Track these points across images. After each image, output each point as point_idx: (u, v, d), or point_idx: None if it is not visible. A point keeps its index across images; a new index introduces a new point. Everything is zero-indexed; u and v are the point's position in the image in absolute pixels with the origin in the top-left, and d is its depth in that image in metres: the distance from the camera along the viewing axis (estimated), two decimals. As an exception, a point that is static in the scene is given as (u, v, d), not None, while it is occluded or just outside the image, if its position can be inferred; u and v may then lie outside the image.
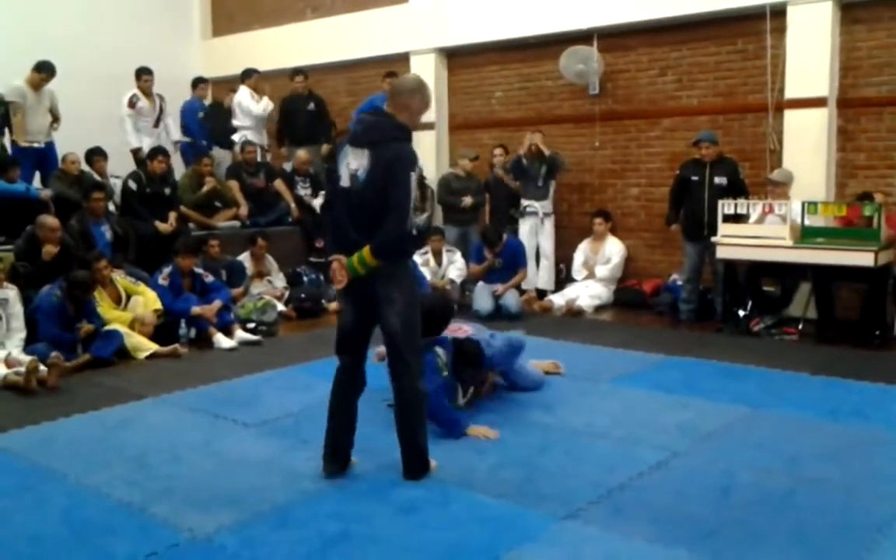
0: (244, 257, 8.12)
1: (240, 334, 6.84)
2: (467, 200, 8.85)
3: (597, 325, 7.58)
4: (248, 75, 9.81)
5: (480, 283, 8.03)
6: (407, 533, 3.20)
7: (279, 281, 8.30)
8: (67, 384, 5.53)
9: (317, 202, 9.12)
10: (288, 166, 9.56)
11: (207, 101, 10.39)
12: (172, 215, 7.96)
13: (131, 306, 6.64)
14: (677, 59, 8.20)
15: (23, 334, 5.91)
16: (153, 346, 6.32)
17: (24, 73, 8.25)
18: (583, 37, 8.51)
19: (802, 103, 7.32)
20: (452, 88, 9.87)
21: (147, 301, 6.68)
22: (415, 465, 3.70)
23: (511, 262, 8.02)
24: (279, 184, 9.30)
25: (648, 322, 7.58)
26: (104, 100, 9.10)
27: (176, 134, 9.47)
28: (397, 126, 3.55)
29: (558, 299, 8.19)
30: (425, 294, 6.55)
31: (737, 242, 6.78)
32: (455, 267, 8.40)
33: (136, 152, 8.93)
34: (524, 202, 8.66)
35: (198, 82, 10.08)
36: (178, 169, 9.43)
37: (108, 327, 6.23)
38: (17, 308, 5.93)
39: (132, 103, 8.99)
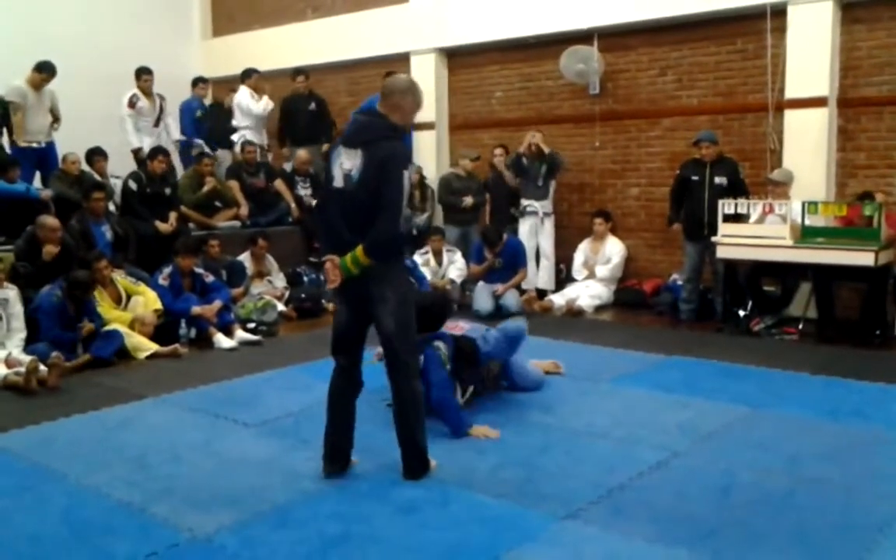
0: (244, 257, 8.12)
1: (240, 334, 6.84)
2: (468, 200, 8.85)
3: (597, 324, 7.58)
4: (248, 75, 9.81)
5: (481, 283, 8.03)
6: (407, 533, 3.20)
7: (279, 281, 8.29)
8: (68, 384, 5.53)
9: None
10: (288, 166, 9.56)
11: (207, 101, 10.39)
12: (173, 215, 7.96)
13: (131, 306, 6.64)
14: (677, 58, 8.20)
15: (23, 334, 5.91)
16: (153, 346, 6.32)
17: (24, 73, 8.24)
18: (583, 36, 8.51)
19: (802, 103, 7.32)
20: (453, 88, 9.87)
21: (147, 301, 6.68)
22: (415, 465, 3.70)
23: (511, 261, 8.03)
24: (279, 184, 9.31)
25: (649, 322, 7.57)
26: (104, 100, 9.10)
27: (176, 133, 9.48)
28: (390, 126, 3.57)
29: (558, 299, 8.19)
30: (423, 291, 6.57)
31: (737, 242, 6.78)
32: (455, 267, 8.41)
33: (136, 152, 8.93)
34: (524, 202, 8.66)
35: (197, 82, 10.08)
36: (179, 169, 9.44)
37: (108, 327, 6.24)
38: (18, 308, 5.93)
39: (132, 103, 8.99)
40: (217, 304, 6.83)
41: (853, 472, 3.72)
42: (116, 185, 8.42)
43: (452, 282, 8.31)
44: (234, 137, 9.73)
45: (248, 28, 11.50)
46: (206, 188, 8.67)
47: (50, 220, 6.64)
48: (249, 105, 9.64)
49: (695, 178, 7.31)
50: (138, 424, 4.65)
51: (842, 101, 7.31)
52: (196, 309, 6.74)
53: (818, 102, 7.25)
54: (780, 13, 7.38)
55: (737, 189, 7.10)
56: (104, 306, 6.43)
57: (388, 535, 3.18)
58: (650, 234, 8.50)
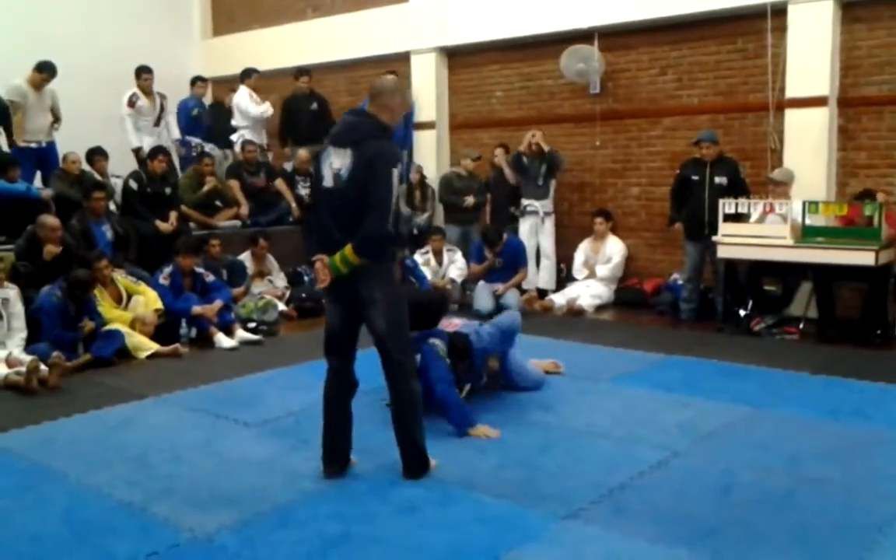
0: (245, 257, 8.12)
1: (241, 334, 6.84)
2: (469, 200, 8.85)
3: (597, 324, 7.58)
4: (247, 75, 9.80)
5: (481, 283, 8.03)
6: (407, 533, 3.20)
7: (280, 280, 8.30)
8: (68, 384, 5.53)
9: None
10: (289, 166, 9.56)
11: (207, 100, 10.39)
12: (173, 215, 7.96)
13: (132, 306, 6.64)
14: (678, 58, 8.20)
15: (24, 334, 5.91)
16: (154, 346, 6.33)
17: (24, 73, 8.24)
18: (583, 36, 8.51)
19: (803, 102, 7.31)
20: (453, 88, 9.87)
21: (148, 301, 6.68)
22: (414, 464, 3.71)
23: (511, 261, 8.02)
24: (280, 183, 9.31)
25: (649, 321, 7.57)
26: (104, 99, 9.09)
27: (176, 133, 9.46)
28: (379, 125, 3.58)
29: (559, 299, 8.19)
30: (418, 289, 6.58)
31: (737, 242, 6.78)
32: (456, 266, 8.41)
33: (136, 152, 8.93)
34: (525, 201, 8.66)
35: (195, 81, 10.08)
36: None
37: (108, 327, 6.24)
38: (18, 308, 5.93)
39: (132, 102, 8.98)
40: (218, 303, 6.84)
41: (854, 472, 3.72)
42: (117, 184, 8.43)
43: (453, 281, 8.31)
44: (234, 137, 9.74)
45: (248, 27, 11.51)
46: (206, 188, 8.67)
47: (50, 220, 6.64)
48: (248, 107, 9.64)
49: (695, 177, 7.30)
50: (139, 424, 4.65)
51: (842, 100, 7.31)
52: (197, 308, 6.74)
53: (819, 102, 7.25)
54: (780, 12, 7.38)
55: (737, 188, 7.10)
56: (105, 306, 6.43)
57: (388, 534, 3.18)
58: (651, 234, 8.50)
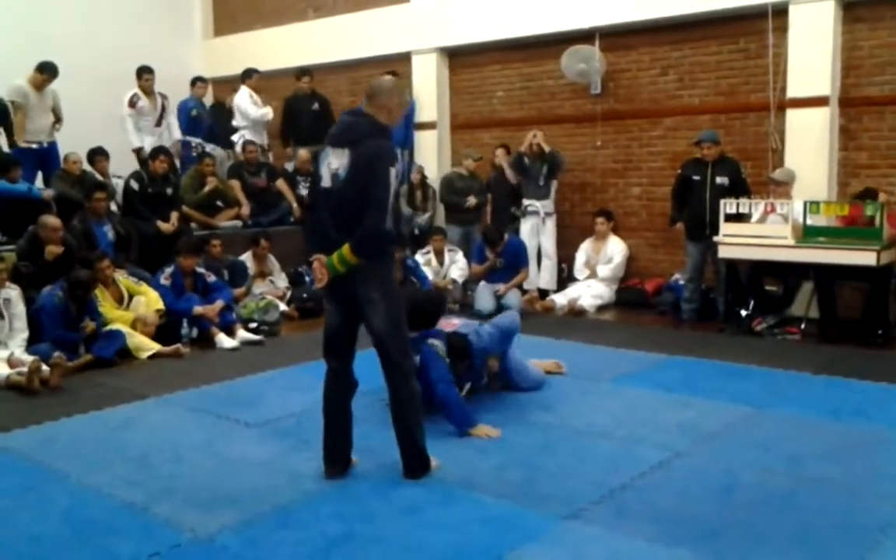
0: (246, 257, 8.12)
1: (242, 334, 6.84)
2: (471, 201, 8.85)
3: (599, 324, 7.58)
4: (248, 75, 9.81)
5: (482, 283, 8.03)
6: (409, 533, 3.20)
7: (281, 281, 8.30)
8: (70, 384, 5.53)
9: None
10: (290, 166, 9.56)
11: (208, 101, 10.39)
12: (174, 215, 7.96)
13: (133, 306, 6.64)
14: (679, 58, 8.20)
15: (25, 334, 5.92)
16: (155, 346, 6.33)
17: (23, 73, 8.24)
18: (584, 36, 8.51)
19: (804, 102, 7.31)
20: (454, 88, 9.87)
21: (149, 301, 6.69)
22: (414, 464, 3.71)
23: (513, 261, 8.02)
24: (281, 183, 9.31)
25: (650, 322, 7.57)
26: (105, 100, 9.09)
27: (178, 133, 9.45)
28: (376, 125, 3.59)
29: (560, 299, 8.19)
30: (414, 290, 6.58)
31: (739, 242, 6.78)
32: (457, 267, 8.42)
33: (137, 152, 8.93)
34: (526, 202, 8.67)
35: (195, 81, 10.09)
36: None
37: (110, 327, 6.24)
38: (20, 308, 5.94)
39: (133, 103, 8.97)
40: (219, 303, 6.84)
41: (855, 472, 3.72)
42: (118, 184, 8.43)
43: (454, 282, 8.32)
44: (235, 138, 9.74)
45: (250, 28, 11.51)
46: (207, 188, 8.68)
47: (52, 220, 6.64)
48: (247, 109, 9.65)
49: (696, 177, 7.30)
50: (140, 424, 4.66)
51: (843, 100, 7.30)
52: (198, 309, 6.75)
53: (820, 102, 7.24)
54: (781, 12, 7.37)
55: (738, 189, 7.09)
56: (106, 306, 6.44)
57: (389, 535, 3.19)
58: (652, 234, 8.50)
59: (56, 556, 3.10)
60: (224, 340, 6.67)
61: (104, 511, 3.47)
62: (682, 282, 7.73)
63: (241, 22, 11.73)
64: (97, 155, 8.43)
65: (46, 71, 8.19)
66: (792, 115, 7.42)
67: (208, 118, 10.05)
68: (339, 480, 3.71)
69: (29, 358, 5.56)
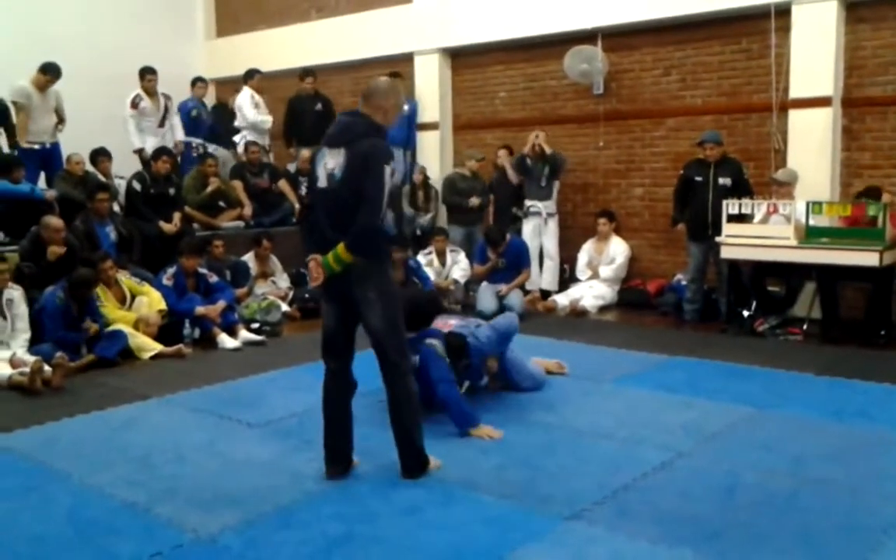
0: (248, 257, 8.13)
1: (244, 334, 6.85)
2: (474, 201, 8.86)
3: (600, 325, 7.57)
4: (250, 76, 9.81)
5: (484, 284, 8.03)
6: (410, 533, 3.20)
7: (283, 281, 8.30)
8: (72, 384, 5.54)
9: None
10: (292, 166, 9.57)
11: (209, 101, 10.40)
12: (177, 215, 7.97)
13: (136, 306, 6.65)
14: (681, 58, 8.19)
15: (27, 335, 5.92)
16: (157, 347, 6.34)
17: (23, 73, 8.23)
18: (587, 36, 8.50)
19: (807, 103, 7.30)
20: (456, 88, 9.87)
21: (151, 301, 6.69)
22: (412, 464, 3.71)
23: (514, 262, 8.02)
24: (283, 184, 9.32)
25: (652, 322, 7.57)
26: (106, 100, 9.10)
27: (181, 134, 9.45)
28: (372, 124, 3.61)
29: (562, 299, 8.19)
30: (408, 290, 6.57)
31: (741, 242, 6.77)
32: (459, 267, 8.41)
33: (139, 153, 8.94)
34: (528, 202, 8.67)
35: (195, 82, 10.11)
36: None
37: (112, 327, 6.25)
38: (22, 308, 5.94)
39: (135, 104, 8.97)
40: (221, 304, 6.84)
41: (858, 473, 3.72)
42: (121, 185, 8.44)
43: (456, 282, 8.31)
44: (237, 138, 9.74)
45: (253, 28, 11.52)
46: (210, 188, 8.69)
47: (54, 221, 6.65)
48: (246, 112, 9.66)
49: (699, 178, 7.29)
50: (142, 424, 4.66)
51: (846, 100, 7.29)
52: (200, 309, 6.75)
53: (822, 102, 7.23)
54: (784, 13, 7.36)
55: (741, 189, 7.08)
56: (109, 306, 6.44)
57: (391, 535, 3.19)
58: (654, 235, 8.49)
59: (58, 556, 3.10)
60: (226, 341, 6.68)
61: (106, 511, 3.47)
62: (684, 282, 7.72)
63: (243, 22, 11.74)
64: (100, 155, 8.44)
65: (50, 72, 8.20)
66: (794, 115, 7.41)
67: (209, 118, 10.06)
68: (341, 481, 3.71)
69: (31, 358, 5.57)
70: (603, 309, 8.11)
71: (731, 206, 6.81)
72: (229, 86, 10.90)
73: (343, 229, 3.51)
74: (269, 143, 10.08)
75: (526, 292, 8.26)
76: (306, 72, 9.87)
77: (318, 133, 9.77)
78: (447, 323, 4.83)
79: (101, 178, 8.21)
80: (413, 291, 6.22)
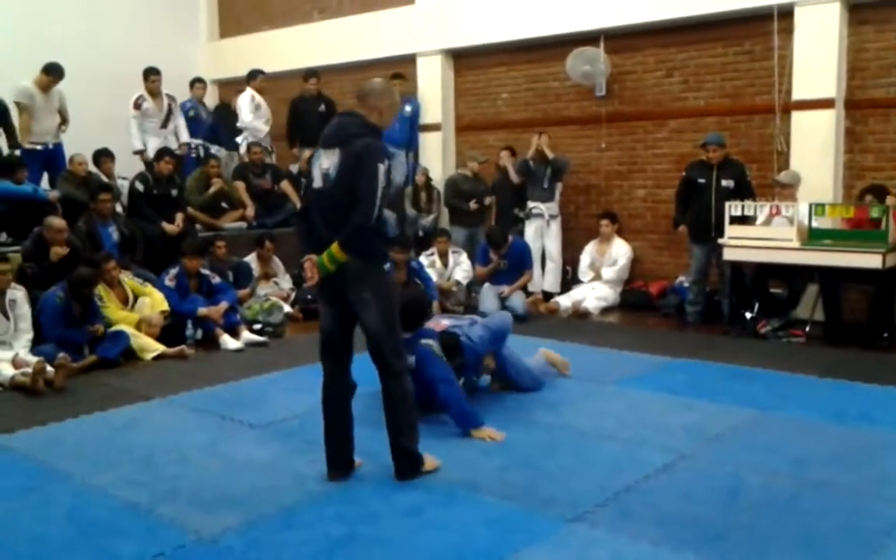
0: (251, 259, 8.14)
1: (246, 335, 6.85)
2: (473, 205, 8.87)
3: (603, 326, 7.57)
4: (253, 77, 9.81)
5: (486, 285, 8.03)
6: (412, 534, 3.20)
7: (285, 282, 8.31)
8: (74, 385, 5.54)
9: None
10: (295, 167, 9.57)
11: (210, 102, 10.41)
12: (179, 216, 7.98)
13: (138, 307, 6.66)
14: (684, 60, 8.19)
15: (30, 335, 5.93)
16: (160, 347, 6.34)
17: (24, 73, 8.24)
18: (589, 38, 8.49)
19: (810, 104, 7.29)
20: (459, 90, 9.87)
21: (154, 302, 6.70)
22: (404, 466, 3.71)
23: (517, 263, 8.02)
24: (286, 185, 9.32)
25: (655, 324, 7.56)
26: (108, 101, 9.11)
27: (185, 135, 9.44)
28: (367, 124, 3.61)
29: (564, 301, 8.18)
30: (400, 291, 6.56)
31: (744, 244, 6.76)
32: (461, 268, 8.41)
33: (140, 154, 8.94)
34: (530, 204, 8.67)
35: (194, 82, 10.11)
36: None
37: (114, 328, 6.26)
38: (25, 309, 5.95)
39: (137, 104, 8.98)
40: (223, 305, 6.85)
41: (860, 476, 3.71)
42: (123, 186, 8.45)
43: (458, 283, 8.31)
44: (239, 139, 9.75)
45: (256, 29, 11.53)
46: (212, 189, 8.70)
47: (57, 222, 6.66)
48: (243, 115, 9.66)
49: (701, 180, 7.28)
50: (145, 425, 4.66)
51: (849, 102, 7.28)
52: (202, 310, 6.76)
53: (825, 104, 7.22)
54: (787, 14, 7.36)
55: (744, 191, 7.08)
56: (111, 307, 6.45)
57: (392, 536, 3.19)
58: (656, 236, 8.49)
59: (60, 556, 3.10)
60: (228, 342, 6.68)
61: (108, 512, 3.47)
62: (686, 284, 7.71)
63: (246, 23, 11.75)
64: (103, 156, 8.45)
65: (52, 72, 8.21)
66: (797, 117, 7.40)
67: (208, 119, 10.06)
68: (343, 482, 3.71)
69: (33, 359, 5.57)
70: (605, 310, 8.10)
71: (733, 208, 6.81)
72: (232, 87, 10.91)
73: (338, 229, 3.52)
74: (270, 144, 10.07)
75: (528, 294, 8.26)
76: (310, 73, 9.88)
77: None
78: (439, 323, 4.83)
79: (104, 178, 8.22)
80: (403, 291, 6.23)
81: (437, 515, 3.36)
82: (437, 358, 4.37)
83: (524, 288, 8.12)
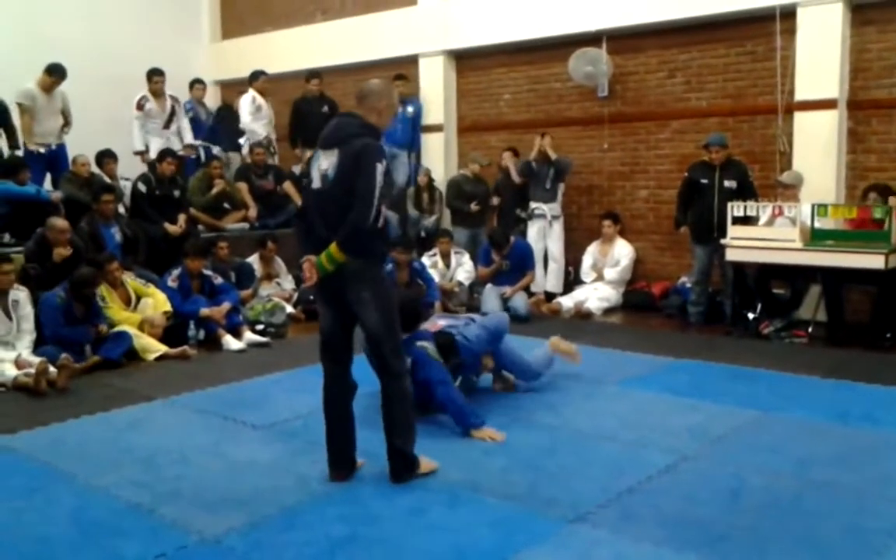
0: (253, 259, 8.15)
1: (248, 336, 6.85)
2: (474, 207, 8.87)
3: (605, 327, 7.56)
4: (255, 78, 9.82)
5: (489, 286, 8.03)
6: (414, 535, 3.20)
7: (288, 283, 8.31)
8: (77, 385, 5.55)
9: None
10: (297, 168, 9.58)
11: (214, 103, 10.41)
12: (181, 217, 7.99)
13: (141, 308, 6.66)
14: (686, 60, 8.18)
15: (33, 336, 5.94)
16: (162, 348, 6.34)
17: (25, 73, 8.25)
18: (592, 39, 8.49)
19: (812, 105, 7.29)
20: (461, 90, 9.87)
21: (156, 303, 6.70)
22: (399, 467, 3.70)
23: (519, 264, 8.02)
24: (288, 186, 9.33)
25: (657, 324, 7.56)
26: (111, 102, 9.12)
27: (189, 137, 9.44)
28: (365, 124, 3.62)
29: (567, 301, 8.18)
30: (409, 292, 6.56)
31: (746, 245, 6.75)
32: (463, 269, 8.41)
33: (141, 154, 8.95)
34: (533, 205, 8.67)
35: (194, 83, 10.12)
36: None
37: (117, 329, 6.26)
38: (28, 310, 5.96)
39: (140, 105, 9.00)
40: (226, 305, 6.85)
41: (863, 476, 3.70)
42: (126, 187, 8.46)
43: (460, 284, 8.31)
44: (241, 140, 9.76)
45: (258, 30, 11.54)
46: (215, 190, 8.71)
47: (60, 222, 6.67)
48: (242, 117, 9.67)
49: (704, 180, 7.27)
50: (147, 426, 4.67)
51: (852, 103, 7.27)
52: (205, 311, 6.76)
53: (828, 104, 7.22)
54: (789, 15, 7.35)
55: (746, 192, 7.07)
56: (114, 308, 6.45)
57: (394, 536, 3.19)
58: (659, 237, 8.48)
59: (62, 556, 3.11)
60: (231, 342, 6.68)
61: (111, 512, 3.48)
62: (688, 285, 7.71)
63: (249, 24, 11.76)
64: (105, 157, 8.47)
65: (55, 73, 8.22)
66: (800, 117, 7.40)
67: (208, 120, 10.07)
68: (345, 483, 3.71)
69: (36, 359, 5.58)
70: (608, 311, 8.10)
71: (736, 209, 6.81)
72: (235, 88, 10.92)
73: (337, 230, 3.52)
74: (274, 145, 10.08)
75: (530, 294, 8.25)
76: (312, 74, 9.88)
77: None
78: (436, 323, 4.84)
79: (107, 179, 8.24)
80: (399, 292, 6.24)
81: (439, 516, 3.36)
82: (432, 360, 4.37)
83: (526, 288, 8.12)
